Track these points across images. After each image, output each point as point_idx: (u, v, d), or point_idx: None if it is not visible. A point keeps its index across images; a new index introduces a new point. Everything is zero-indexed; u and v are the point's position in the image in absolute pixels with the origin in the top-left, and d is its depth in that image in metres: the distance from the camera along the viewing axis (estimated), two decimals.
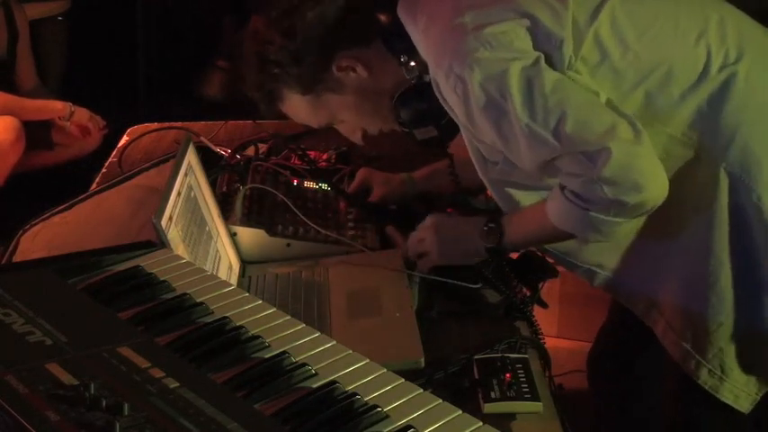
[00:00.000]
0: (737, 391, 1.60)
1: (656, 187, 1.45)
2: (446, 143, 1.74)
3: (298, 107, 1.75)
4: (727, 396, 1.60)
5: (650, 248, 1.60)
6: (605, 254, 1.65)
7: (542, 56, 1.44)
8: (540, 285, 1.81)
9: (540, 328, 1.71)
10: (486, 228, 1.68)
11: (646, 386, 2.00)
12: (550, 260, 1.79)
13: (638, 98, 1.48)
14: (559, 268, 1.79)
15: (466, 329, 1.66)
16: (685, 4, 1.56)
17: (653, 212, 1.49)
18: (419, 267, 1.78)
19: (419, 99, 1.63)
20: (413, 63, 1.63)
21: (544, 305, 1.82)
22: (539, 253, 1.80)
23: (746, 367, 1.59)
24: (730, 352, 1.58)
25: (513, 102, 1.43)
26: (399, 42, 1.62)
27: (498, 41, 1.43)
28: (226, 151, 2.24)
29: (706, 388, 1.60)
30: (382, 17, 1.67)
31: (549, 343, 1.72)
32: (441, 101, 1.54)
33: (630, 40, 1.48)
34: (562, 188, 1.51)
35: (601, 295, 1.86)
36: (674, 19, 1.52)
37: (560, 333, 2.99)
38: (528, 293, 1.79)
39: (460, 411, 0.99)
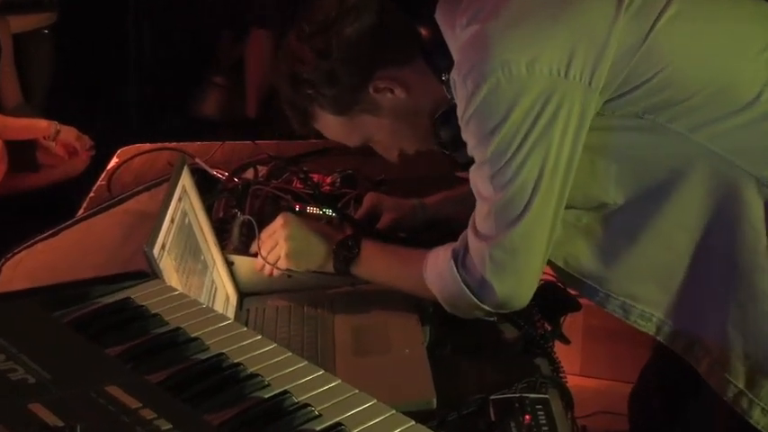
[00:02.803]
0: None
1: (529, 288, 1.57)
2: None
3: (331, 127, 1.77)
4: None
5: (692, 277, 1.60)
6: (642, 284, 1.64)
7: (552, 105, 1.45)
8: (562, 319, 1.81)
9: (562, 366, 1.70)
10: (342, 243, 1.77)
11: (694, 428, 1.98)
12: (573, 292, 1.79)
13: (683, 111, 1.49)
14: (584, 301, 1.79)
15: (481, 367, 1.66)
16: (746, 16, 1.57)
17: (692, 237, 1.52)
18: (268, 270, 1.83)
19: None
20: None
21: (566, 341, 1.81)
22: (560, 283, 1.80)
23: None
24: None
25: (492, 138, 1.48)
26: (440, 59, 1.63)
27: (519, 73, 1.44)
28: (223, 174, 2.25)
29: (759, 428, 1.60)
30: (423, 31, 1.67)
31: (572, 382, 1.71)
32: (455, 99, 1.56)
33: (681, 57, 1.48)
34: (455, 250, 1.61)
35: (627, 329, 1.84)
36: (733, 32, 1.53)
37: (584, 371, 2.98)
38: (548, 328, 1.78)
39: None
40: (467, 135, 1.55)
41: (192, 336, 1.21)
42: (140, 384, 1.07)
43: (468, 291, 1.59)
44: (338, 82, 1.68)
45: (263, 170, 2.28)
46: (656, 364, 2.07)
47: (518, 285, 1.57)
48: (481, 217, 1.56)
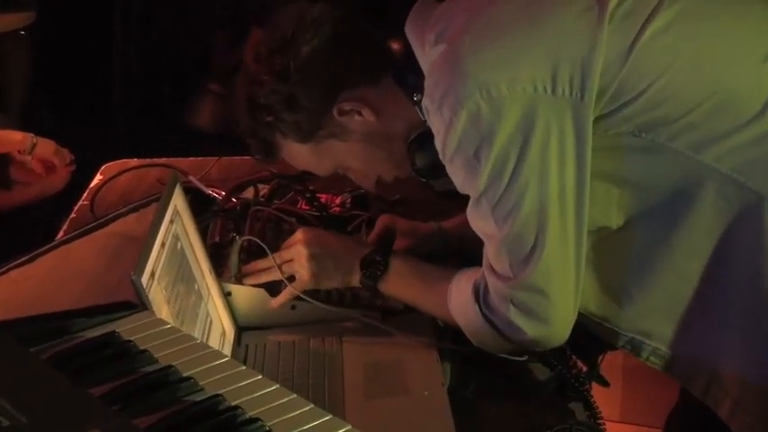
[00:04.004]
0: None
1: (561, 326, 1.58)
2: None
3: (297, 156, 1.81)
4: None
5: (705, 309, 1.60)
6: (652, 318, 1.65)
7: (541, 124, 1.45)
8: (600, 358, 1.81)
9: (600, 411, 1.70)
10: (370, 257, 1.78)
11: None
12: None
13: (683, 128, 1.50)
14: None
15: (508, 412, 1.66)
16: (746, 23, 1.58)
17: (704, 265, 1.54)
18: (282, 298, 1.84)
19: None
20: None
21: (604, 383, 1.81)
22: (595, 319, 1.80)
23: None
24: None
25: (482, 167, 1.49)
26: (412, 77, 1.65)
27: (499, 93, 1.45)
28: (219, 193, 2.27)
29: None
30: (394, 45, 1.71)
31: (611, 428, 1.71)
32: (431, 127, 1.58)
33: (677, 67, 1.49)
34: (476, 285, 1.63)
35: None
36: (734, 40, 1.54)
37: (624, 417, 2.98)
38: (585, 368, 1.78)
39: None
40: (453, 171, 1.57)
41: (185, 375, 1.21)
42: (127, 429, 1.08)
43: (494, 330, 1.60)
44: (299, 106, 1.71)
45: (264, 189, 2.30)
46: (682, 409, 2.07)
47: (549, 326, 1.58)
48: (492, 257, 1.58)
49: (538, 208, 1.49)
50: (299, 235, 1.88)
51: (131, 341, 1.30)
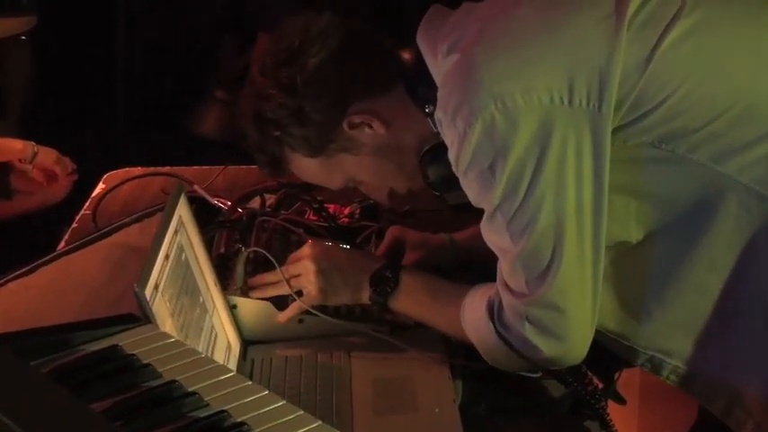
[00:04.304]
0: None
1: (579, 344, 1.57)
2: None
3: (307, 170, 1.81)
4: None
5: (726, 326, 1.59)
6: (672, 335, 1.64)
7: (557, 136, 1.45)
8: (617, 375, 1.80)
9: (616, 430, 1.69)
10: (379, 273, 1.78)
11: None
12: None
13: (704, 138, 1.49)
14: None
15: (522, 430, 1.66)
16: None
17: (724, 280, 1.53)
18: (290, 313, 1.85)
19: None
20: None
21: (621, 401, 1.80)
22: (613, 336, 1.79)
23: None
24: None
25: (497, 181, 1.49)
26: (424, 88, 1.66)
27: (514, 104, 1.45)
28: (225, 203, 2.27)
29: None
30: (405, 55, 1.71)
31: None
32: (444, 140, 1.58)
33: (698, 76, 1.49)
34: (490, 301, 1.62)
35: None
36: (755, 47, 1.54)
37: None
38: (601, 385, 1.78)
39: None
40: (467, 184, 1.56)
41: (189, 390, 1.21)
42: None
43: (508, 348, 1.60)
44: (308, 120, 1.71)
45: (270, 199, 2.30)
46: (701, 428, 2.06)
47: (566, 344, 1.57)
48: (507, 273, 1.58)
49: (554, 222, 1.49)
50: (306, 249, 1.88)
51: (134, 355, 1.30)
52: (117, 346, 1.32)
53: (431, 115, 1.64)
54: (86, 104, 4.66)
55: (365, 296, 1.82)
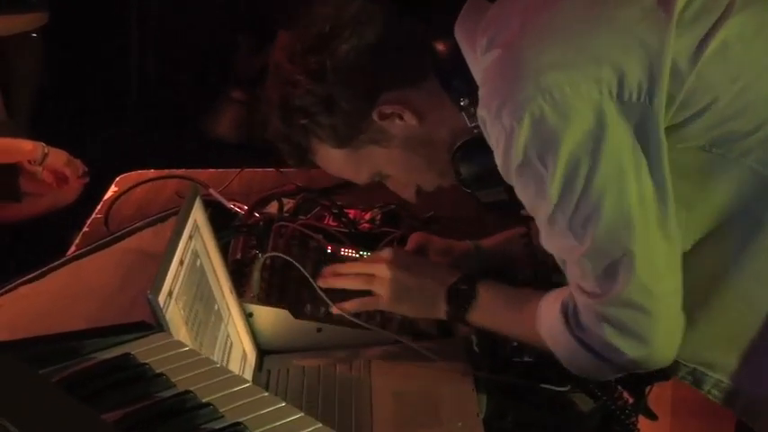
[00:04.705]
0: None
1: (664, 345, 1.55)
2: (519, 207, 1.75)
3: (333, 161, 1.80)
4: None
5: None
6: (717, 348, 1.63)
7: (612, 129, 1.44)
8: (647, 390, 1.80)
9: None
10: (456, 287, 1.77)
11: None
12: None
13: (757, 142, 1.48)
14: None
15: None
16: None
17: None
18: (355, 305, 1.85)
19: (484, 153, 1.62)
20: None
21: (652, 416, 1.80)
22: None
23: None
24: None
25: (551, 177, 1.47)
26: (459, 80, 1.65)
27: (563, 96, 1.44)
28: (241, 208, 2.27)
29: None
30: (439, 46, 1.69)
31: None
32: (487, 140, 1.57)
33: (751, 76, 1.48)
34: (564, 304, 1.60)
35: None
36: None
37: None
38: (631, 400, 1.78)
39: None
40: (521, 186, 1.54)
41: (204, 401, 1.21)
42: None
43: (588, 352, 1.58)
44: (337, 108, 1.70)
45: (288, 203, 2.30)
46: None
47: (649, 344, 1.54)
48: (577, 275, 1.56)
49: (618, 215, 1.47)
50: (387, 254, 1.88)
51: (147, 364, 1.30)
52: (129, 354, 1.32)
53: (465, 109, 1.64)
54: (98, 104, 4.68)
55: (441, 310, 1.81)
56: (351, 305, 1.86)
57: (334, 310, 1.86)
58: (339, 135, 1.74)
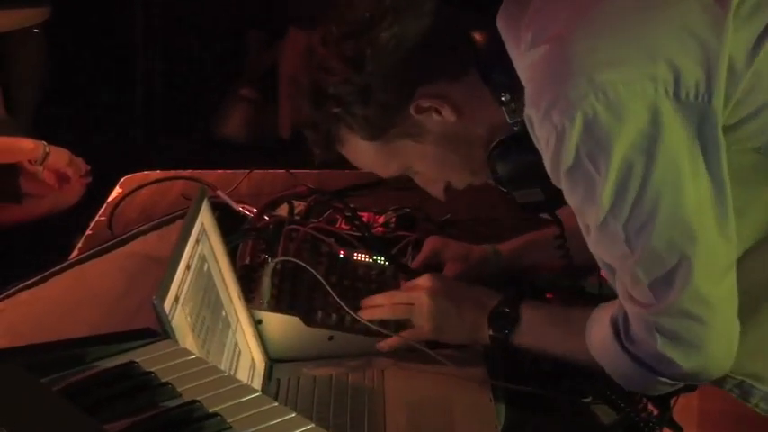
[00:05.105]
0: None
1: (721, 354, 1.53)
2: (555, 208, 1.74)
3: (362, 154, 1.79)
4: None
5: None
6: (765, 359, 1.63)
7: (668, 129, 1.43)
8: (673, 401, 1.79)
9: None
10: (498, 310, 1.76)
11: None
12: None
13: None
14: None
15: None
16: None
17: None
18: (396, 342, 1.85)
19: (522, 151, 1.62)
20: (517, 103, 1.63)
21: (678, 429, 1.80)
22: None
23: None
24: None
25: (603, 180, 1.45)
26: (500, 74, 1.63)
27: (617, 95, 1.42)
28: (250, 210, 2.27)
29: None
30: (481, 38, 1.67)
31: None
32: (534, 141, 1.56)
33: None
34: (613, 317, 1.59)
35: (753, 415, 1.83)
36: None
37: None
38: (655, 412, 1.77)
39: None
40: (570, 188, 1.52)
41: (211, 411, 1.21)
42: None
43: (639, 367, 1.57)
44: (372, 100, 1.69)
45: (299, 206, 2.30)
46: None
47: (706, 354, 1.53)
48: (629, 284, 1.54)
49: (675, 219, 1.45)
50: (425, 281, 1.88)
51: (152, 372, 1.30)
52: (134, 362, 1.32)
53: (506, 104, 1.63)
54: (102, 102, 4.68)
55: (484, 336, 1.80)
56: (393, 342, 1.86)
57: (382, 346, 1.87)
58: (372, 127, 1.72)
